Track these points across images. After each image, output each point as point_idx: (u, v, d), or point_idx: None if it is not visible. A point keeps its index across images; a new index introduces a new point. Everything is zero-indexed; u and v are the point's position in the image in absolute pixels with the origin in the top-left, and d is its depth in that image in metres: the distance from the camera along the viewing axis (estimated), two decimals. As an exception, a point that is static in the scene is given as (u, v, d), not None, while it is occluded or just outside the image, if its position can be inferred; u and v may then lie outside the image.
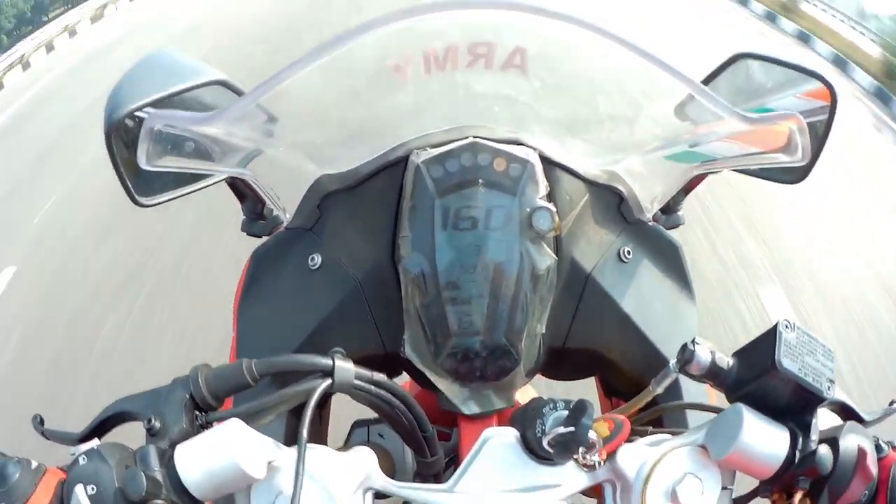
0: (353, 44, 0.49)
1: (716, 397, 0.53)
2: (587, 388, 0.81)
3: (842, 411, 0.51)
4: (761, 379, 0.44)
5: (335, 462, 0.46)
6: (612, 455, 0.46)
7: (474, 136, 0.58)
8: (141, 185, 0.63)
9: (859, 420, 0.51)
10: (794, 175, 0.64)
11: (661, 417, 0.60)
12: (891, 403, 0.54)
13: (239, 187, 0.72)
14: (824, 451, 0.44)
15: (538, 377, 0.69)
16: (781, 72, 0.68)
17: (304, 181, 0.62)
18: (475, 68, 0.54)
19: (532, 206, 0.56)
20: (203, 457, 0.41)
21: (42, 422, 0.45)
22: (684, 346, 0.46)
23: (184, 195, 0.67)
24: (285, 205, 0.63)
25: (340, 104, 0.60)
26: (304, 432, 0.41)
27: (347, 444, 0.73)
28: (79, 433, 0.44)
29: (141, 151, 0.51)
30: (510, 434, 0.47)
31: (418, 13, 0.49)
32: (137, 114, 0.58)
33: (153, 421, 0.42)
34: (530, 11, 0.49)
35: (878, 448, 0.46)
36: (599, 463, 0.44)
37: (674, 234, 0.69)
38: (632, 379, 0.63)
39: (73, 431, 0.45)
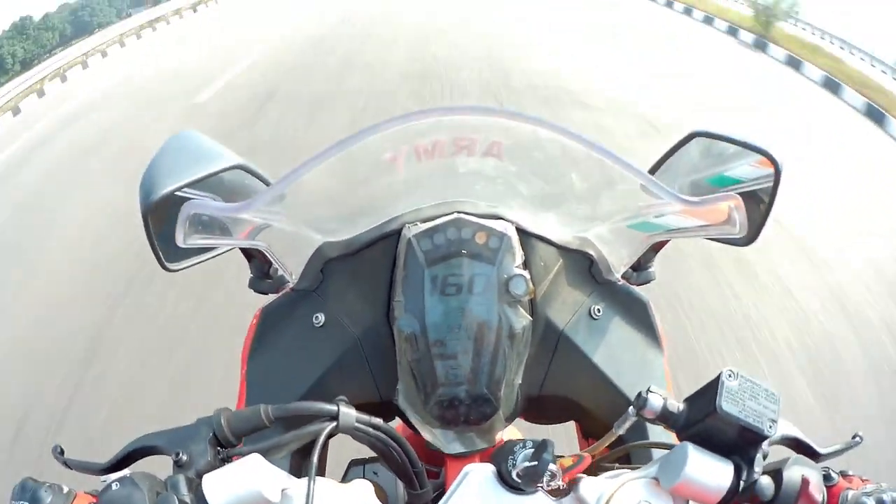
0: (361, 143, 0.57)
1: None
2: (568, 431, 0.88)
3: (797, 446, 0.58)
4: (706, 421, 0.50)
5: (339, 493, 0.53)
6: (575, 485, 0.52)
7: (458, 212, 0.65)
8: (169, 253, 0.72)
9: (812, 453, 0.57)
10: (741, 241, 0.72)
11: (628, 455, 0.67)
12: (853, 437, 0.60)
13: (248, 250, 0.79)
14: (766, 481, 0.49)
15: (523, 421, 0.76)
16: (733, 146, 0.76)
17: (308, 248, 0.70)
18: (459, 157, 0.63)
19: (509, 274, 0.63)
20: (229, 485, 0.47)
21: (62, 451, 0.50)
22: (639, 394, 0.53)
23: (204, 261, 0.75)
24: (291, 268, 0.71)
25: (341, 186, 0.68)
26: (314, 464, 0.47)
27: (345, 480, 0.79)
28: (102, 463, 0.49)
29: (179, 233, 0.59)
30: (488, 469, 0.54)
31: (412, 118, 0.57)
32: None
33: (181, 454, 0.48)
34: (503, 116, 0.57)
35: (827, 477, 0.51)
36: (561, 486, 0.50)
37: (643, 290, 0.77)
38: (603, 423, 0.68)
39: (96, 461, 0.49)
